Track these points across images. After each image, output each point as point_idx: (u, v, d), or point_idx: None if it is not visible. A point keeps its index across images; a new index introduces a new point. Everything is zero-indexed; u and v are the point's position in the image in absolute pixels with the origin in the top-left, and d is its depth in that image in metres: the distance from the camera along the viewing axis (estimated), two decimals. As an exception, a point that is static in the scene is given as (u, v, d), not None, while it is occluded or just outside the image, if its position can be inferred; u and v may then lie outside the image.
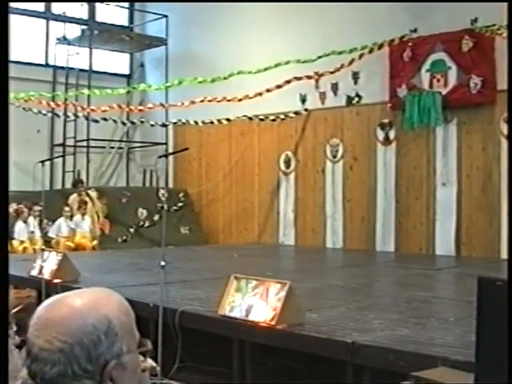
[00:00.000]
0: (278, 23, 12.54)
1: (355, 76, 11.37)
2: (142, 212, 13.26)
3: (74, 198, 12.16)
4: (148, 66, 15.65)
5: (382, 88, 11.01)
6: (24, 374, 1.32)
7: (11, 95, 10.75)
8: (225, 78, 11.54)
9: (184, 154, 12.15)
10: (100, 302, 1.33)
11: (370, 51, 10.72)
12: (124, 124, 14.08)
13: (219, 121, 12.50)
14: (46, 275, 6.87)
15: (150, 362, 1.49)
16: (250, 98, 11.78)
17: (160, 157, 11.55)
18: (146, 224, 13.16)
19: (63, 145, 14.10)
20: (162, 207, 11.89)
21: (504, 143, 9.65)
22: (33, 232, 11.36)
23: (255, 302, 4.83)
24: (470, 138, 10.19)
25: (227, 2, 13.17)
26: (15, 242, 11.02)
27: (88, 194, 12.37)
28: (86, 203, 12.01)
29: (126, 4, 15.66)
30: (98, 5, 14.92)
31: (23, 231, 11.27)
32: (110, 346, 1.29)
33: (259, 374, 5.02)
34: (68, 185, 14.00)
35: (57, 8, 14.43)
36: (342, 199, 11.66)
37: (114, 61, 15.51)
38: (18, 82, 11.31)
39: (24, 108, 12.03)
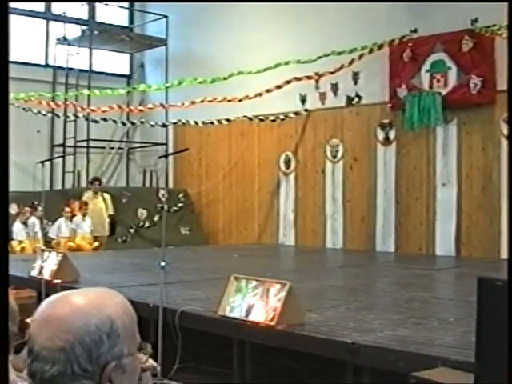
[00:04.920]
0: (278, 23, 12.54)
1: (355, 76, 11.37)
2: (142, 212, 13.26)
3: (87, 197, 12.24)
4: (148, 66, 15.66)
5: (381, 88, 11.01)
6: (23, 374, 1.32)
7: (11, 95, 10.75)
8: (225, 79, 11.54)
9: (184, 154, 12.15)
10: (104, 302, 1.32)
11: (370, 51, 10.72)
12: (124, 124, 14.07)
13: (219, 121, 12.50)
14: (46, 275, 6.87)
15: (150, 361, 1.49)
16: (250, 98, 11.78)
17: (160, 157, 11.55)
18: (146, 224, 13.16)
19: (63, 145, 14.10)
20: (162, 207, 11.89)
21: (504, 143, 9.65)
22: (36, 233, 11.37)
23: (255, 303, 4.83)
24: (470, 138, 10.19)
25: (227, 2, 13.17)
26: (14, 243, 11.03)
27: (103, 196, 12.45)
28: (86, 204, 12.03)
29: (126, 4, 15.66)
30: (98, 5, 14.92)
31: (21, 231, 11.28)
32: (111, 347, 1.29)
33: (259, 374, 5.02)
34: (68, 185, 14.03)
35: (57, 8, 14.43)
36: (341, 199, 11.66)
37: (114, 61, 15.51)
38: (18, 82, 11.30)
39: (24, 108, 12.03)
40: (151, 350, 1.42)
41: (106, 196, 12.59)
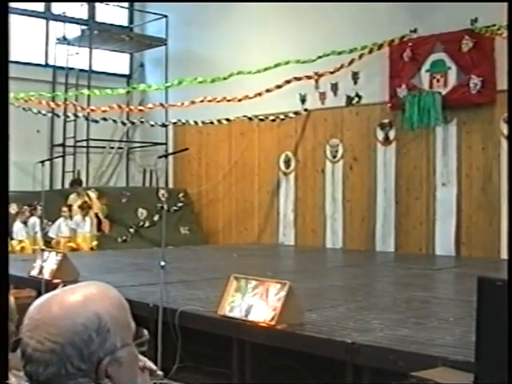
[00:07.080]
0: (278, 23, 12.53)
1: (355, 76, 11.36)
2: (142, 212, 13.25)
3: (73, 198, 12.20)
4: (148, 66, 15.65)
5: (381, 88, 11.00)
6: (22, 374, 1.33)
7: (11, 95, 10.74)
8: (225, 78, 11.53)
9: (184, 154, 12.16)
10: (90, 298, 1.32)
11: (370, 51, 10.71)
12: (124, 124, 14.07)
13: (219, 121, 12.50)
14: (46, 275, 6.87)
15: (149, 364, 1.48)
16: (250, 98, 11.77)
17: (160, 157, 11.55)
18: (146, 224, 13.15)
19: (63, 145, 14.10)
20: (162, 207, 11.89)
21: (504, 143, 9.65)
22: (36, 232, 11.37)
23: (255, 302, 4.83)
24: (470, 138, 10.19)
25: (227, 2, 13.17)
26: (14, 242, 11.04)
27: (88, 195, 12.40)
28: (89, 207, 12.00)
29: (126, 4, 15.66)
30: (97, 5, 14.91)
31: (21, 231, 11.29)
32: (102, 343, 1.29)
33: (259, 374, 5.02)
34: (68, 185, 14.02)
35: (57, 8, 14.43)
36: (341, 199, 11.66)
37: (114, 61, 15.50)
38: (18, 82, 11.29)
39: (24, 108, 12.01)
40: (148, 335, 1.42)
41: (92, 194, 12.50)
